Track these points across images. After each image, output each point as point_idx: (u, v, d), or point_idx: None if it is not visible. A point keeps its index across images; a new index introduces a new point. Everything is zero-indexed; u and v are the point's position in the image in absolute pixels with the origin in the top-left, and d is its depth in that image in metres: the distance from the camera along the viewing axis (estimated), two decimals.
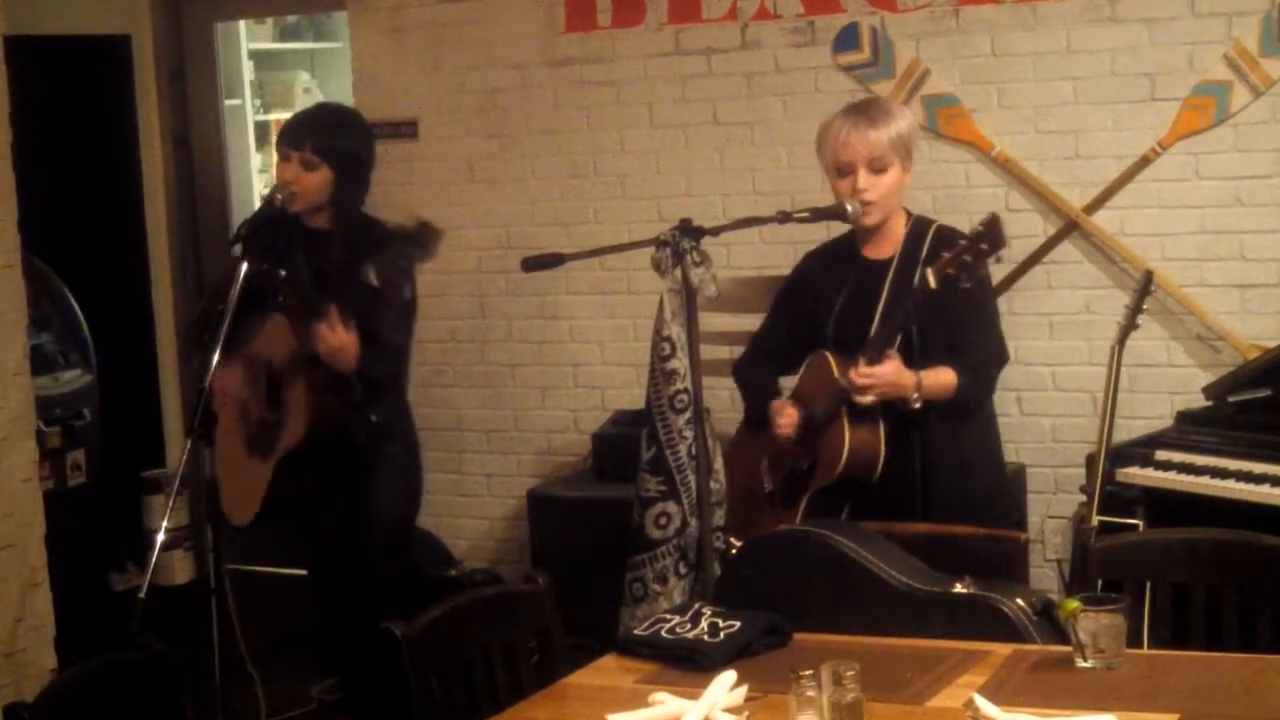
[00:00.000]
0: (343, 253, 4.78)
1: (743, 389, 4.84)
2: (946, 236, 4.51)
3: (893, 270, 4.49)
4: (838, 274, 4.59)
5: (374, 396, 4.83)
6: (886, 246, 4.55)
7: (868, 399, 4.35)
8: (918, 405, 4.36)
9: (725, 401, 5.70)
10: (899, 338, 4.37)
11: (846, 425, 4.40)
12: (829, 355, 4.49)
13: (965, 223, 5.53)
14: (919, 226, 4.56)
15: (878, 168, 4.45)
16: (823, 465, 4.47)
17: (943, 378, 4.39)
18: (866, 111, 4.52)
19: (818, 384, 4.51)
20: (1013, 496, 5.45)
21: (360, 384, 4.75)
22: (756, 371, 4.80)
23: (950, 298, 4.29)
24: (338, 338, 4.59)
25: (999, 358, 4.61)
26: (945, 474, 4.45)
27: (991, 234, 4.19)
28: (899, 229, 4.55)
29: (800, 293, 4.70)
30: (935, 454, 4.45)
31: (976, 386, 4.49)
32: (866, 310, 4.48)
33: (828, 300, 4.57)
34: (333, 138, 4.88)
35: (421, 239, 4.55)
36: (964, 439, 4.52)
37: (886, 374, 4.33)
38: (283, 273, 4.82)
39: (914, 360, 4.39)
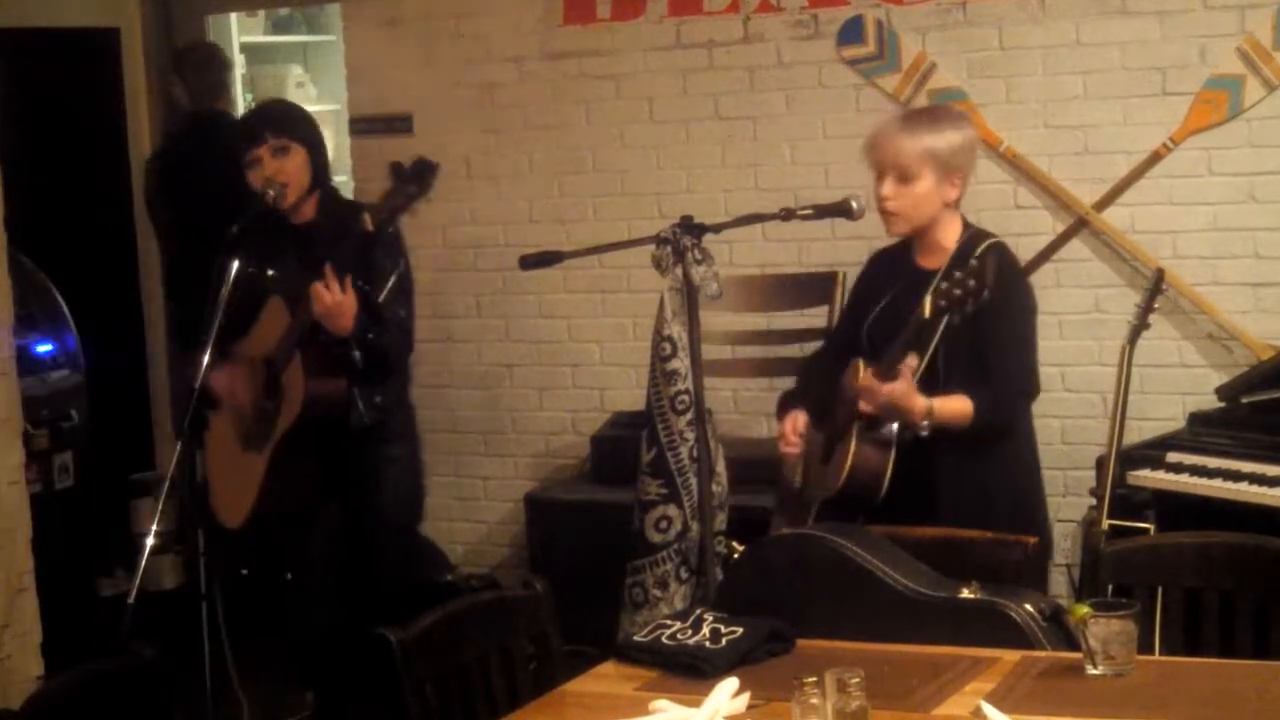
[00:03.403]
0: (333, 237, 4.76)
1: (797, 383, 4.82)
2: (993, 252, 4.37)
3: (935, 282, 4.40)
4: (888, 278, 4.53)
5: (380, 376, 4.81)
6: (937, 257, 4.45)
7: (867, 409, 4.26)
8: (925, 433, 4.24)
9: (727, 402, 5.68)
10: (924, 359, 4.25)
11: (853, 442, 4.34)
12: (860, 365, 4.41)
13: (972, 220, 5.53)
14: (972, 240, 4.44)
15: (904, 176, 4.36)
16: (828, 478, 4.44)
17: (957, 406, 4.25)
18: (912, 117, 4.48)
19: (844, 394, 4.46)
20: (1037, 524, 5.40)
21: (364, 356, 4.71)
22: (814, 369, 4.75)
23: (980, 320, 4.16)
24: (333, 295, 4.55)
25: (1027, 387, 4.45)
26: (964, 503, 4.32)
27: (982, 275, 4.00)
28: (950, 240, 4.44)
29: (858, 293, 4.67)
30: (949, 482, 4.35)
31: (994, 418, 4.33)
32: (903, 319, 4.39)
33: (872, 303, 4.53)
34: (287, 119, 4.92)
35: (415, 173, 4.50)
36: (984, 469, 4.39)
37: (894, 392, 4.19)
38: (271, 272, 4.82)
39: (937, 384, 4.28)
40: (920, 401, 4.20)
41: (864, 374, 4.25)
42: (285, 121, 4.88)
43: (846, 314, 4.75)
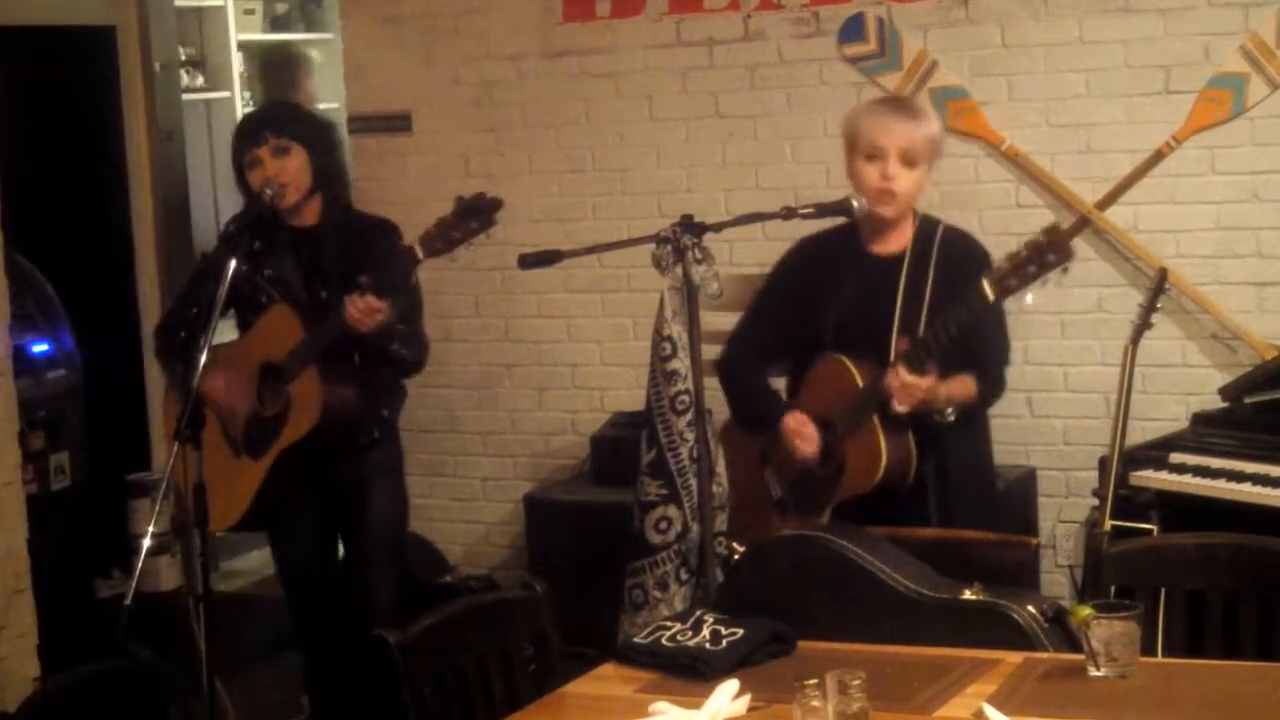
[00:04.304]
0: (337, 246, 4.81)
1: (732, 389, 4.80)
2: (957, 237, 4.52)
3: (905, 268, 4.46)
4: (839, 268, 4.56)
5: (403, 376, 4.94)
6: (893, 243, 4.52)
7: (902, 409, 4.28)
8: (951, 418, 4.32)
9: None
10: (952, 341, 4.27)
11: (882, 434, 4.35)
12: (847, 361, 4.43)
13: (974, 219, 5.55)
14: (927, 225, 4.55)
15: (909, 160, 4.43)
16: (853, 475, 4.43)
17: (967, 389, 4.37)
18: (904, 104, 4.56)
19: (836, 390, 4.46)
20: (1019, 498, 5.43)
21: (394, 367, 4.83)
22: (747, 369, 4.74)
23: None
24: (366, 303, 4.58)
25: (1009, 359, 4.63)
26: (962, 479, 4.43)
27: (1060, 245, 4.07)
28: (906, 226, 4.53)
29: (796, 284, 4.66)
30: (948, 460, 4.43)
31: (993, 395, 4.52)
32: (877, 309, 4.44)
33: (827, 294, 4.54)
34: (288, 119, 4.93)
35: (480, 208, 4.55)
36: (972, 444, 4.52)
37: (928, 387, 4.26)
38: (268, 272, 4.80)
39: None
40: (943, 390, 4.29)
41: (901, 373, 4.23)
42: (286, 122, 4.87)
43: (777, 308, 4.71)
